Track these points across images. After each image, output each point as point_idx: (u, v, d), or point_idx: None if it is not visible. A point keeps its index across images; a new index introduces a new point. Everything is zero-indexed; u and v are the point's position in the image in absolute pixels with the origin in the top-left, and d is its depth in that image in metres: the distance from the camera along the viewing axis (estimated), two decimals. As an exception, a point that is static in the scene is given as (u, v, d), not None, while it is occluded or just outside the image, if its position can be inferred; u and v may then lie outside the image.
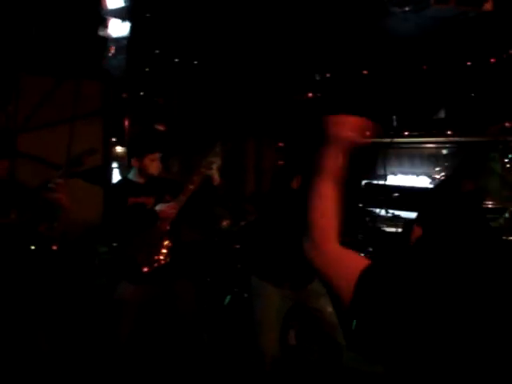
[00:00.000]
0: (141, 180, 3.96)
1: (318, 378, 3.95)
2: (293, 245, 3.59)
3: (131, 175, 4.02)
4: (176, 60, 5.96)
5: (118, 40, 5.61)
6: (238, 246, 5.87)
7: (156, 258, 3.86)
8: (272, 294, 3.57)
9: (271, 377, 3.55)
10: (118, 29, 5.58)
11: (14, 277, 3.55)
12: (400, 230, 6.02)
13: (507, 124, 5.83)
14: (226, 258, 6.11)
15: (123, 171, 5.23)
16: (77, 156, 3.68)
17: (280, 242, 3.62)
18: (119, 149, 5.83)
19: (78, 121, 5.12)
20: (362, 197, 6.47)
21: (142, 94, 5.75)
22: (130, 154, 4.12)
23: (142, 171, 3.93)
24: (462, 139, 6.07)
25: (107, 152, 5.45)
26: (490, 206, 5.34)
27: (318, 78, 6.27)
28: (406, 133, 6.58)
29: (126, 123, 5.59)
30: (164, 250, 3.87)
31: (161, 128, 5.77)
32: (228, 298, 5.86)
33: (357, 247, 5.81)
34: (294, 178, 3.71)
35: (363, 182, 6.74)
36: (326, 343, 3.68)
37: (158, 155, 3.93)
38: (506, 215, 3.48)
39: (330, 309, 3.70)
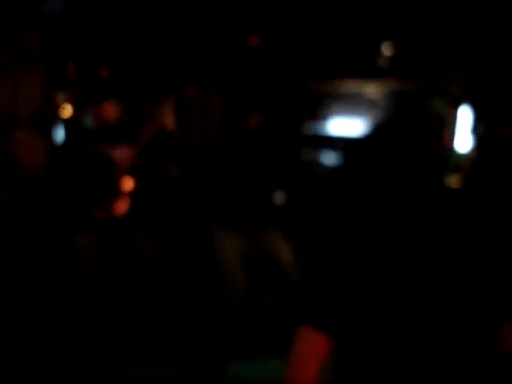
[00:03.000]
0: (96, 127, 3.91)
1: (272, 323, 4.02)
2: (251, 188, 3.65)
3: (86, 122, 3.95)
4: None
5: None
6: (188, 194, 5.85)
7: (113, 206, 3.83)
8: (232, 237, 3.59)
9: (234, 323, 3.60)
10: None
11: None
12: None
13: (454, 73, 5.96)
14: (176, 206, 6.09)
15: (72, 118, 5.09)
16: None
17: (238, 186, 3.63)
18: (63, 96, 5.65)
19: (20, 69, 4.94)
20: (306, 146, 6.53)
21: (83, 37, 5.56)
22: (85, 100, 4.03)
23: (99, 118, 3.86)
24: (405, 86, 6.18)
25: (50, 100, 5.28)
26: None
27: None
28: (348, 80, 6.64)
29: (70, 69, 5.41)
30: (121, 198, 3.85)
31: (105, 74, 5.61)
32: (180, 246, 5.88)
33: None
34: (249, 118, 3.70)
35: (307, 131, 6.79)
36: (281, 288, 3.73)
37: (112, 102, 3.87)
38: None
39: (286, 255, 3.76)
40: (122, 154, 3.80)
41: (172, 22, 6.24)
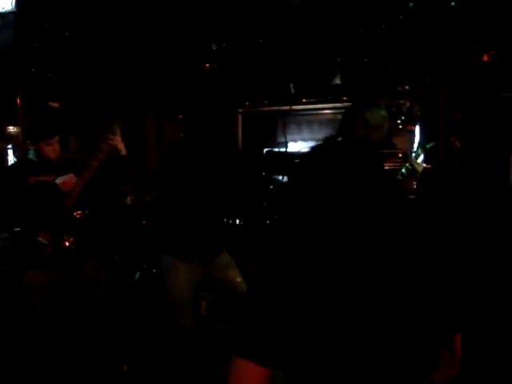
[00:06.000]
0: (39, 160, 3.86)
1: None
2: (199, 219, 3.63)
3: (31, 155, 3.91)
4: (67, 34, 5.75)
5: (3, 15, 5.37)
6: (144, 222, 5.82)
7: (62, 237, 3.77)
8: (180, 268, 3.57)
9: (186, 349, 3.58)
10: (3, 3, 5.34)
11: None
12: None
13: (400, 88, 6.06)
14: (132, 234, 6.05)
15: (18, 151, 5.03)
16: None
17: (186, 216, 3.61)
18: (12, 128, 5.59)
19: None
20: (264, 165, 6.54)
21: (33, 70, 5.51)
22: (24, 137, 3.99)
23: (38, 154, 3.83)
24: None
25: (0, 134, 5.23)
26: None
27: (214, 48, 6.23)
28: (304, 100, 6.69)
29: (18, 101, 5.36)
30: (70, 230, 3.79)
31: (55, 105, 5.58)
32: (137, 274, 5.83)
33: (263, 214, 5.92)
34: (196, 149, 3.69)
35: (264, 150, 6.80)
36: (237, 312, 3.73)
37: (54, 140, 3.83)
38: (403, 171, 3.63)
39: (239, 279, 3.75)
40: (68, 181, 3.76)
41: (123, 49, 6.23)
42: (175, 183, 3.70)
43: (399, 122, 6.08)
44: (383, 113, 3.57)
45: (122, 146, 3.90)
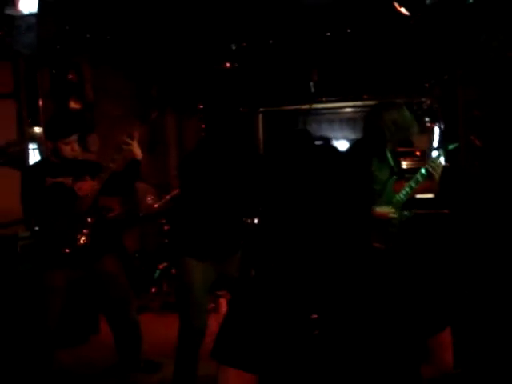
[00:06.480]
0: (58, 160, 3.92)
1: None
2: (213, 218, 3.66)
3: (49, 155, 3.99)
4: (88, 36, 5.83)
5: (26, 17, 5.44)
6: (163, 221, 5.89)
7: (78, 237, 3.83)
8: (195, 268, 3.60)
9: (197, 347, 3.62)
10: (26, 5, 5.41)
11: None
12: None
13: (423, 85, 6.03)
14: (152, 233, 6.12)
15: (44, 151, 5.12)
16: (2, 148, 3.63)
17: (200, 216, 3.64)
18: (37, 129, 5.69)
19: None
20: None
21: (54, 71, 5.60)
22: (46, 137, 4.07)
23: (57, 154, 3.89)
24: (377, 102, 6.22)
25: (22, 134, 5.32)
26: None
27: (234, 48, 6.26)
28: (324, 99, 6.70)
29: (41, 103, 5.45)
30: (86, 230, 3.86)
31: (76, 106, 5.66)
32: (157, 272, 5.90)
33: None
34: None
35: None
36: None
37: (73, 138, 3.88)
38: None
39: (253, 277, 3.77)
40: (84, 186, 3.82)
41: (144, 49, 6.29)
42: (192, 183, 3.73)
43: (422, 120, 6.05)
44: (409, 114, 3.60)
45: (138, 151, 3.95)
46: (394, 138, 3.63)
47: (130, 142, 3.87)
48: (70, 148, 3.87)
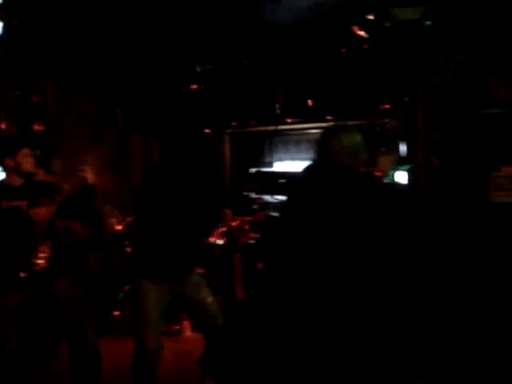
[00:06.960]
0: (16, 182, 3.91)
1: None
2: (168, 240, 3.66)
3: (5, 178, 3.97)
4: (52, 57, 5.84)
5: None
6: (127, 243, 5.86)
7: (33, 261, 3.81)
8: (150, 289, 3.61)
9: (152, 369, 3.60)
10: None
11: None
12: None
13: (384, 106, 6.10)
14: (116, 255, 6.09)
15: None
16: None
17: (155, 237, 3.65)
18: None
19: None
20: (250, 184, 6.58)
21: (17, 93, 5.60)
22: (2, 155, 4.04)
23: (17, 170, 3.88)
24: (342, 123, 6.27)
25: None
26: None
27: (199, 70, 6.31)
28: (289, 120, 6.74)
29: (3, 125, 5.43)
30: (41, 254, 3.83)
31: (40, 128, 5.65)
32: (121, 294, 5.87)
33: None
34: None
35: (252, 170, 6.84)
36: (208, 332, 3.73)
37: (30, 151, 3.90)
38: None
39: (209, 299, 3.78)
40: (40, 211, 3.80)
41: (109, 70, 6.31)
42: (146, 205, 3.74)
43: (384, 141, 6.11)
44: (358, 138, 3.52)
45: (89, 175, 3.95)
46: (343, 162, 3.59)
47: (82, 166, 3.88)
48: (30, 161, 3.90)
